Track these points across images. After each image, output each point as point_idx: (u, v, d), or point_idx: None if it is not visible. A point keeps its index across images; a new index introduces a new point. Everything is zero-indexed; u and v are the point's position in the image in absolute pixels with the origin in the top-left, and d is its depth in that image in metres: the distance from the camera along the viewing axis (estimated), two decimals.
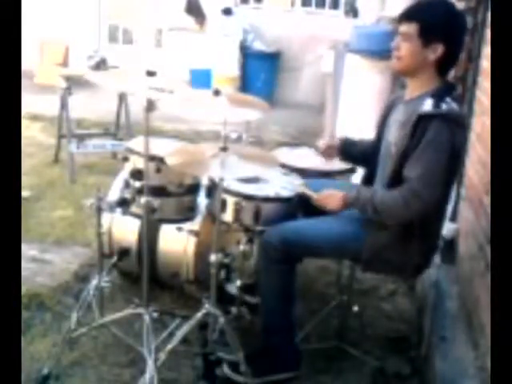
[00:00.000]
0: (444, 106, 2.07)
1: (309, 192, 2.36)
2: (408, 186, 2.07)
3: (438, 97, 2.10)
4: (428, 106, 2.08)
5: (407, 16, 2.14)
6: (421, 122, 2.06)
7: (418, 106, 2.11)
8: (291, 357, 2.40)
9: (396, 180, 2.13)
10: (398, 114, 2.28)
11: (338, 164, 2.74)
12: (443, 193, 2.18)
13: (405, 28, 2.13)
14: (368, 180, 2.45)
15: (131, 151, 2.53)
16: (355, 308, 2.68)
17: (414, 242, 2.20)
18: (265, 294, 2.38)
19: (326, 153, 2.57)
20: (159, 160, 2.40)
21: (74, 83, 4.74)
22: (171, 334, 2.42)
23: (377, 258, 2.23)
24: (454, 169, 2.18)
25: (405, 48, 2.14)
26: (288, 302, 2.36)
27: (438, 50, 2.11)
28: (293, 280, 2.34)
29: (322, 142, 2.58)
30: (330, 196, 2.29)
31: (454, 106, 2.11)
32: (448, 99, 2.10)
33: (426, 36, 2.10)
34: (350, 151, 2.55)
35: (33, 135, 5.67)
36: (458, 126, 2.10)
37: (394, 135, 2.21)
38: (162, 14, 8.37)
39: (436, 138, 2.04)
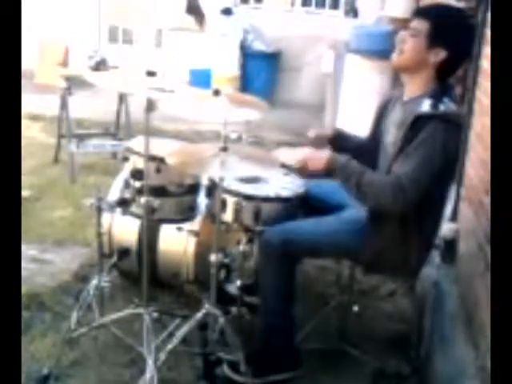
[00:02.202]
0: (442, 107, 2.08)
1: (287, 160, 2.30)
2: (395, 180, 2.06)
3: (436, 97, 2.10)
4: (426, 106, 2.08)
5: (421, 12, 2.16)
6: (418, 123, 2.06)
7: (415, 106, 2.11)
8: (291, 357, 2.39)
9: None
10: (395, 114, 2.27)
11: None
12: (439, 192, 2.18)
13: (415, 24, 2.13)
14: None
15: (131, 151, 2.53)
16: (355, 308, 2.68)
17: (411, 242, 2.20)
18: (265, 293, 2.38)
19: (316, 143, 2.50)
20: (159, 160, 2.40)
21: (74, 83, 4.73)
22: (171, 334, 2.42)
23: (377, 259, 2.23)
24: (449, 170, 2.18)
25: (410, 43, 2.13)
26: (288, 301, 2.36)
27: (439, 55, 2.11)
28: (293, 280, 2.34)
29: (312, 131, 2.54)
30: (312, 157, 2.24)
31: (452, 106, 2.11)
32: (446, 99, 2.10)
33: (433, 37, 2.09)
34: (343, 144, 2.51)
35: (33, 135, 5.66)
36: (455, 126, 2.10)
37: (392, 135, 2.21)
38: (162, 13, 8.37)
39: (429, 137, 2.04)
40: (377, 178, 2.15)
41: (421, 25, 2.11)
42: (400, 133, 2.13)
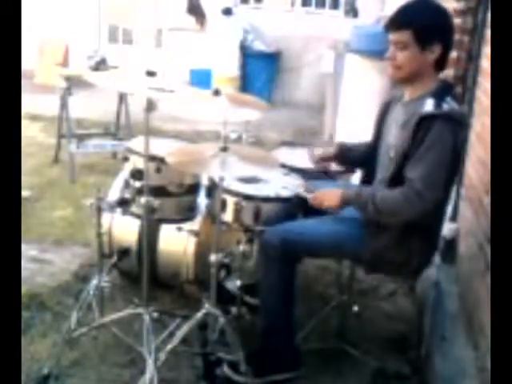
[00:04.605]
0: (445, 106, 2.07)
1: (304, 193, 2.35)
2: (410, 186, 2.06)
3: (439, 97, 2.10)
4: (429, 106, 2.07)
5: (398, 24, 2.12)
6: (423, 123, 2.05)
7: (418, 106, 2.11)
8: (291, 357, 2.39)
9: (397, 181, 2.13)
10: (396, 114, 2.27)
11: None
12: (445, 193, 2.18)
13: (398, 37, 2.12)
14: (366, 180, 2.45)
15: (131, 151, 2.53)
16: (355, 308, 2.68)
17: (414, 242, 2.20)
18: (265, 294, 2.37)
19: (322, 162, 2.56)
20: (159, 160, 2.40)
21: (74, 83, 4.74)
22: (171, 334, 2.42)
23: (379, 259, 2.23)
24: (455, 169, 2.18)
25: (403, 56, 2.12)
26: (288, 302, 2.36)
27: (435, 50, 2.11)
28: (293, 280, 2.34)
29: (316, 154, 2.56)
30: (327, 194, 2.28)
31: (455, 105, 2.11)
32: (448, 99, 2.10)
33: (423, 40, 2.09)
34: (348, 157, 2.54)
35: (33, 135, 5.67)
36: (459, 125, 2.10)
37: (394, 136, 2.21)
38: (162, 13, 8.37)
39: (438, 138, 2.03)
40: (389, 193, 2.14)
41: (404, 36, 2.10)
42: (403, 134, 2.12)
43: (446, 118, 2.05)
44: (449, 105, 2.08)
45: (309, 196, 2.33)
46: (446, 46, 2.15)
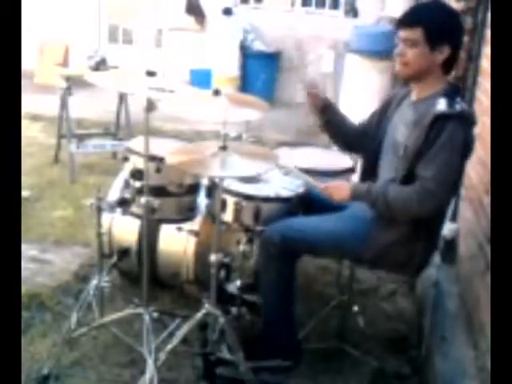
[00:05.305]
0: (458, 106, 2.08)
1: (314, 182, 2.34)
2: (422, 184, 2.07)
3: (450, 97, 2.11)
4: (442, 105, 2.08)
5: (409, 22, 2.13)
6: (437, 122, 2.06)
7: (430, 106, 2.11)
8: (291, 346, 2.38)
9: (410, 179, 2.13)
10: (405, 113, 2.26)
11: (338, 163, 2.74)
12: (455, 192, 2.20)
13: (409, 34, 2.12)
14: (366, 175, 2.44)
15: (131, 151, 2.53)
16: (355, 308, 2.68)
17: (418, 240, 2.20)
18: (265, 290, 2.38)
19: (311, 94, 2.50)
20: (159, 160, 2.40)
21: (74, 83, 4.74)
22: (171, 334, 2.42)
23: (381, 256, 2.23)
24: (464, 169, 2.20)
25: (412, 54, 2.12)
26: (288, 298, 2.36)
27: (444, 52, 2.12)
28: (292, 276, 2.34)
29: (311, 79, 2.56)
30: (338, 186, 2.28)
31: (465, 105, 2.14)
32: (458, 99, 2.12)
33: (433, 39, 2.10)
34: (333, 118, 2.52)
35: (33, 135, 5.66)
36: (470, 125, 2.12)
37: (405, 135, 2.19)
38: (162, 14, 8.37)
39: (451, 138, 2.05)
40: (401, 190, 2.14)
41: (415, 33, 2.10)
42: (415, 132, 2.12)
43: (459, 118, 2.07)
44: (460, 105, 2.10)
45: (319, 187, 2.31)
46: (455, 48, 2.15)
